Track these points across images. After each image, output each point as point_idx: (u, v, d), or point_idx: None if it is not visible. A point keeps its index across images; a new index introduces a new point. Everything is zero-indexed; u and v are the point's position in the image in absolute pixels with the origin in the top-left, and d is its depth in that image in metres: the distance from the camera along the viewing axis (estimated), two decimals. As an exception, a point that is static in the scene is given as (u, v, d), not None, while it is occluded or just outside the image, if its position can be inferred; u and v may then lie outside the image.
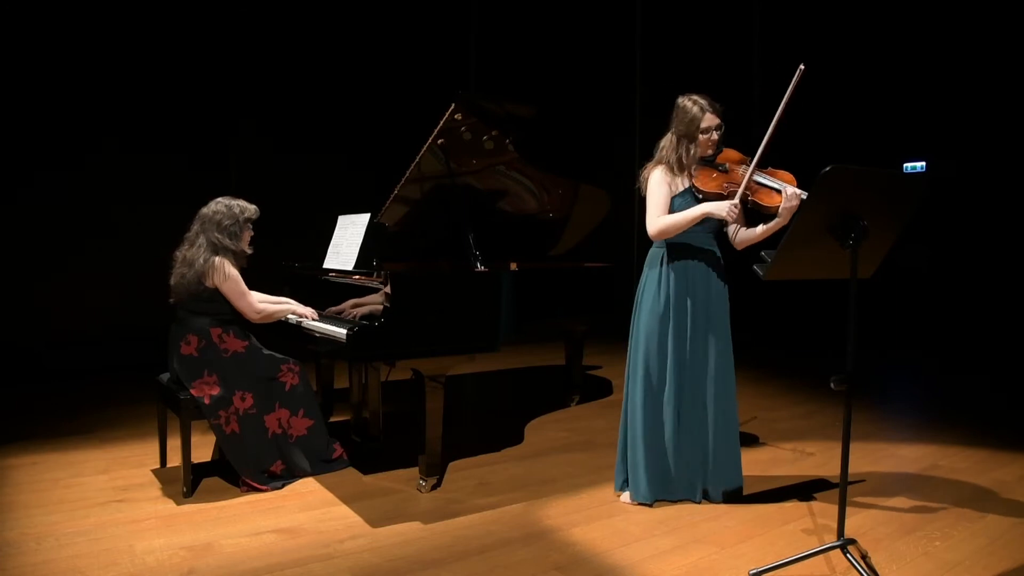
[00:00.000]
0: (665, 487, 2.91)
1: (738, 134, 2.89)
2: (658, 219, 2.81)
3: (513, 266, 3.35)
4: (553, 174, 3.87)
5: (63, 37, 5.48)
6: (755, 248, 2.65)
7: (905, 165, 8.08)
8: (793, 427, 4.18)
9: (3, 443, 3.63)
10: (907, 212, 2.28)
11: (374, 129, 6.73)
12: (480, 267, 3.24)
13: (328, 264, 3.59)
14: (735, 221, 2.76)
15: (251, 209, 3.14)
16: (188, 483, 2.94)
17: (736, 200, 2.66)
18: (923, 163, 7.99)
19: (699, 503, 2.90)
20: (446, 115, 3.22)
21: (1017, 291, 7.19)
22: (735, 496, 2.94)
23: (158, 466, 3.31)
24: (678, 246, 2.88)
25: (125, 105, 5.77)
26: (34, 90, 5.41)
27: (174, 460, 3.20)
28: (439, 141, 3.34)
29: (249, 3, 6.24)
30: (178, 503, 2.88)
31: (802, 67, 2.40)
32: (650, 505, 2.87)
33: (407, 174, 3.48)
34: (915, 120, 7.98)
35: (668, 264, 2.88)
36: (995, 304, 7.42)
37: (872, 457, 3.59)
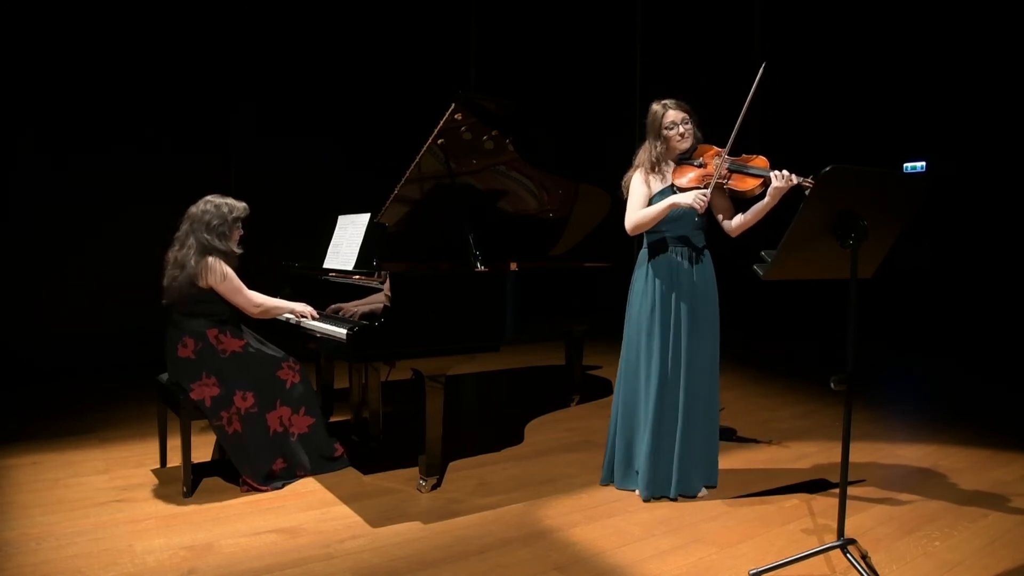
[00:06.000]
0: (655, 484, 2.94)
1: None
2: (632, 214, 2.97)
3: (513, 266, 3.35)
4: (553, 174, 3.86)
5: (58, 33, 5.48)
6: (755, 249, 2.64)
7: (905, 165, 8.07)
8: (793, 427, 4.18)
9: (3, 443, 3.62)
10: (907, 212, 2.28)
11: (374, 129, 6.73)
12: (480, 267, 3.24)
13: (328, 264, 3.59)
14: (703, 209, 2.80)
15: (240, 207, 3.08)
16: (188, 483, 2.94)
17: (707, 190, 2.78)
18: (923, 163, 7.98)
19: (674, 500, 2.92)
20: (446, 115, 3.22)
21: (1018, 291, 7.19)
22: (708, 489, 3.01)
23: (158, 466, 3.31)
24: (658, 242, 2.98)
25: (124, 105, 5.76)
26: (32, 90, 5.41)
27: (174, 460, 3.20)
28: (439, 141, 3.34)
29: (248, 9, 6.24)
30: (178, 503, 2.88)
31: (764, 64, 2.67)
32: (645, 500, 2.91)
33: (407, 174, 3.49)
34: (915, 120, 7.98)
35: (651, 261, 3.00)
36: (995, 304, 7.42)
37: (872, 457, 3.59)
